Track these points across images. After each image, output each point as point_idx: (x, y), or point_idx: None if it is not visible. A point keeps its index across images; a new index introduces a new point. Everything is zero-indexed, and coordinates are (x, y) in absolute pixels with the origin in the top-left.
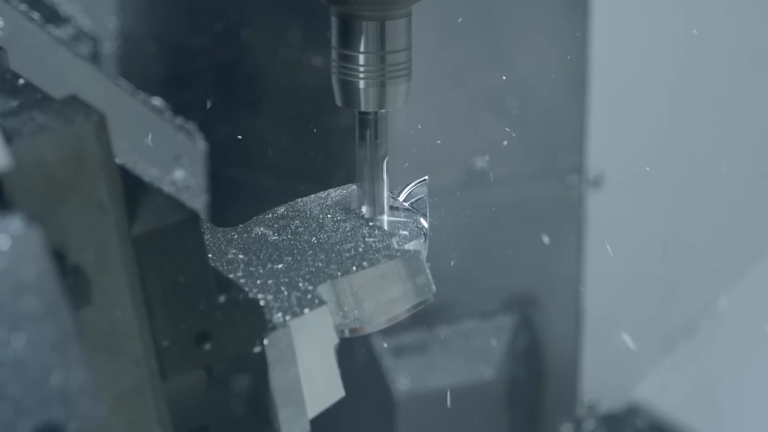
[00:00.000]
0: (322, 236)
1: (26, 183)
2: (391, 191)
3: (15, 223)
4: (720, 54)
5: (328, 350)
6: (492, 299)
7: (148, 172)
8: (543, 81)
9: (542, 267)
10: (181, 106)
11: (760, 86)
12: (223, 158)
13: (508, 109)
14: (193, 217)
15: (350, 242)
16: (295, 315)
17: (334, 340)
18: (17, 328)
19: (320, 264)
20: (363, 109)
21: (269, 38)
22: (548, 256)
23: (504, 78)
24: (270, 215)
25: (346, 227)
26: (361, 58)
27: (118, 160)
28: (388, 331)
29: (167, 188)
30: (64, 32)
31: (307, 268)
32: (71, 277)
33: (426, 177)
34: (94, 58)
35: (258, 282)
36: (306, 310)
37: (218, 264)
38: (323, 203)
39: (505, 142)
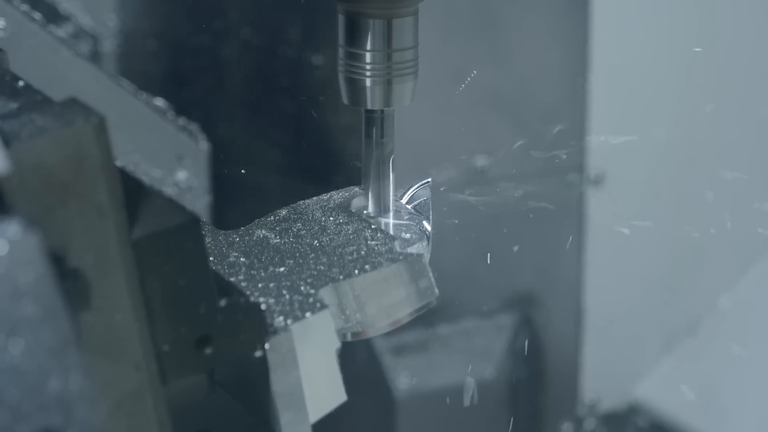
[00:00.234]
0: (324, 239)
1: (26, 186)
2: (394, 192)
3: (13, 228)
4: (721, 52)
5: (330, 354)
6: (493, 298)
7: (150, 173)
8: (544, 79)
9: (543, 266)
10: (183, 106)
11: (762, 84)
12: (227, 159)
13: (509, 108)
14: (193, 220)
15: (352, 245)
16: (296, 319)
17: (336, 344)
18: (15, 334)
19: (322, 267)
20: (369, 107)
21: (272, 37)
22: (549, 255)
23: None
24: (272, 218)
25: (348, 230)
26: (368, 56)
27: (118, 163)
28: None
29: (170, 189)
30: (64, 31)
31: (309, 272)
32: (71, 280)
33: (429, 179)
34: (95, 57)
35: (259, 285)
36: (308, 314)
37: (219, 267)
38: (325, 206)
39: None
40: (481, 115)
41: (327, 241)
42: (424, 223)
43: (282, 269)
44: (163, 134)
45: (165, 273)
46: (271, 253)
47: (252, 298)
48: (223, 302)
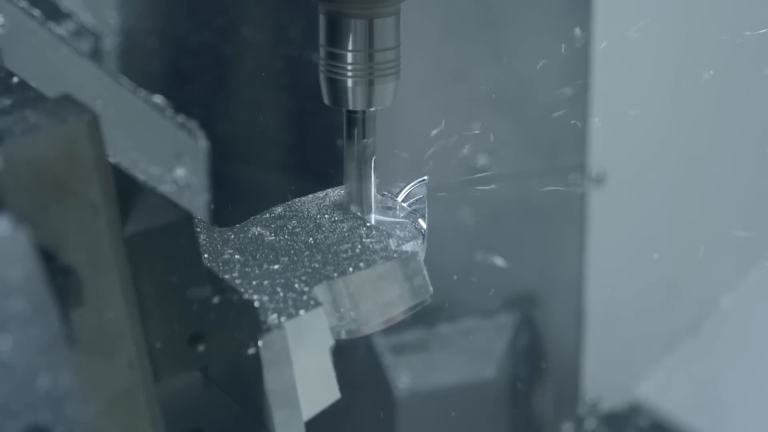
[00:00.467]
0: (319, 237)
1: (18, 183)
2: (390, 191)
3: (2, 224)
4: (723, 50)
5: (323, 352)
6: (493, 297)
7: (149, 171)
8: (545, 78)
9: (544, 265)
10: (182, 104)
11: (763, 82)
12: (226, 156)
13: (509, 107)
14: (186, 217)
15: (347, 243)
16: (290, 316)
17: (330, 341)
18: (4, 330)
19: (317, 265)
20: (351, 107)
21: (271, 35)
22: (550, 255)
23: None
24: (267, 215)
25: (343, 228)
26: (349, 57)
27: (112, 160)
28: (389, 329)
29: (168, 187)
30: (65, 28)
31: (303, 269)
32: (63, 277)
33: (425, 177)
34: (95, 55)
35: (254, 283)
36: (301, 312)
37: (214, 264)
38: (321, 203)
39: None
40: (481, 114)
41: (322, 238)
42: (420, 221)
43: (276, 267)
44: (161, 132)
45: (158, 270)
46: (266, 251)
47: (246, 296)
48: (216, 299)
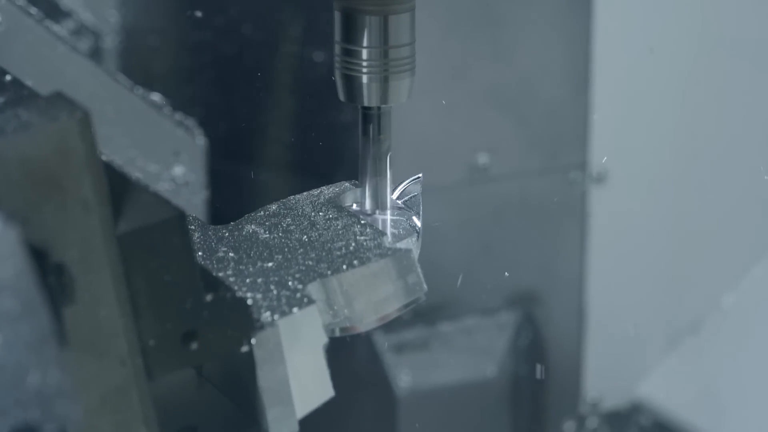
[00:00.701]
0: (313, 234)
1: (10, 180)
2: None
3: None
4: (724, 48)
5: (317, 350)
6: (494, 296)
7: (147, 169)
8: (546, 76)
9: (545, 263)
10: (180, 102)
11: (765, 80)
12: (223, 154)
13: (510, 105)
14: (179, 215)
15: (341, 240)
16: (283, 314)
17: (323, 339)
18: None
19: (311, 262)
20: (366, 104)
21: (271, 33)
22: (551, 253)
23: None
24: (262, 213)
25: (337, 225)
26: (364, 53)
27: (107, 157)
28: (390, 328)
29: (167, 184)
30: (65, 26)
31: (297, 267)
32: (55, 275)
33: (420, 175)
34: (95, 53)
35: (247, 280)
36: (295, 309)
37: (208, 262)
38: (315, 201)
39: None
40: (482, 113)
41: (316, 236)
42: (414, 218)
43: (270, 264)
44: (160, 130)
45: (151, 268)
46: (260, 249)
47: (239, 293)
48: (209, 297)
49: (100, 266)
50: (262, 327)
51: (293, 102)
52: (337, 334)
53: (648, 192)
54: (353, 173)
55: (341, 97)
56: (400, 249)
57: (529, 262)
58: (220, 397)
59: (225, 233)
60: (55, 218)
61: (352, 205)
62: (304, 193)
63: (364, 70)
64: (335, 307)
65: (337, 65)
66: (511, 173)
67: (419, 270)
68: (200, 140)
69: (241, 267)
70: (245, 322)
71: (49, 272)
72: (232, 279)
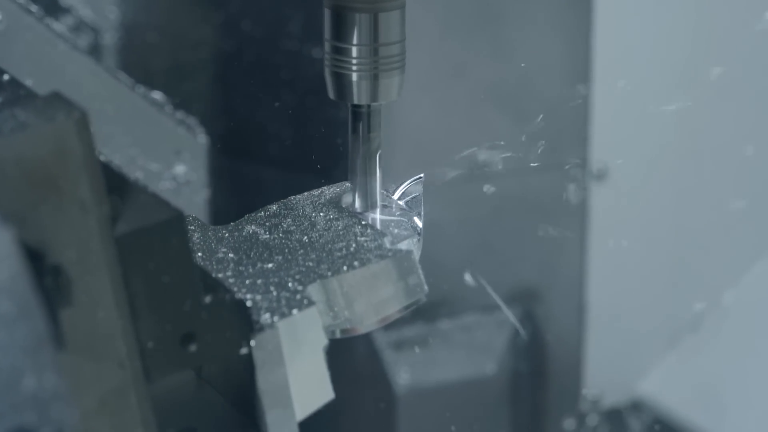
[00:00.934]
0: (313, 235)
1: (6, 181)
2: (386, 188)
3: None
4: (725, 47)
5: (317, 352)
6: (494, 293)
7: (148, 167)
8: (546, 73)
9: (545, 261)
10: (182, 100)
11: (766, 78)
12: (225, 153)
13: (510, 102)
14: (178, 216)
15: (342, 241)
16: (283, 316)
17: (324, 341)
18: None
19: (311, 263)
20: (356, 102)
21: (271, 30)
22: (551, 250)
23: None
24: (262, 213)
25: (338, 226)
26: (354, 51)
27: (107, 157)
28: (389, 325)
29: (168, 183)
30: (64, 23)
31: (297, 268)
32: (52, 277)
33: (422, 175)
34: (95, 50)
35: (247, 282)
36: (294, 311)
37: (207, 263)
38: (316, 201)
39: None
40: (482, 110)
41: (316, 237)
42: (415, 219)
43: (270, 265)
44: (161, 128)
45: (149, 269)
46: (260, 249)
47: (238, 295)
48: (208, 299)
49: (97, 268)
50: (261, 329)
51: (294, 99)
52: (338, 335)
53: (649, 189)
54: None
55: (331, 95)
56: (401, 250)
57: (529, 259)
58: (219, 399)
59: (225, 234)
60: (52, 219)
61: (352, 204)
62: (305, 193)
63: (354, 68)
64: (335, 309)
65: (326, 63)
66: (510, 170)
67: (420, 271)
68: (202, 139)
69: (240, 268)
70: (245, 323)
71: (46, 274)
72: (231, 280)
